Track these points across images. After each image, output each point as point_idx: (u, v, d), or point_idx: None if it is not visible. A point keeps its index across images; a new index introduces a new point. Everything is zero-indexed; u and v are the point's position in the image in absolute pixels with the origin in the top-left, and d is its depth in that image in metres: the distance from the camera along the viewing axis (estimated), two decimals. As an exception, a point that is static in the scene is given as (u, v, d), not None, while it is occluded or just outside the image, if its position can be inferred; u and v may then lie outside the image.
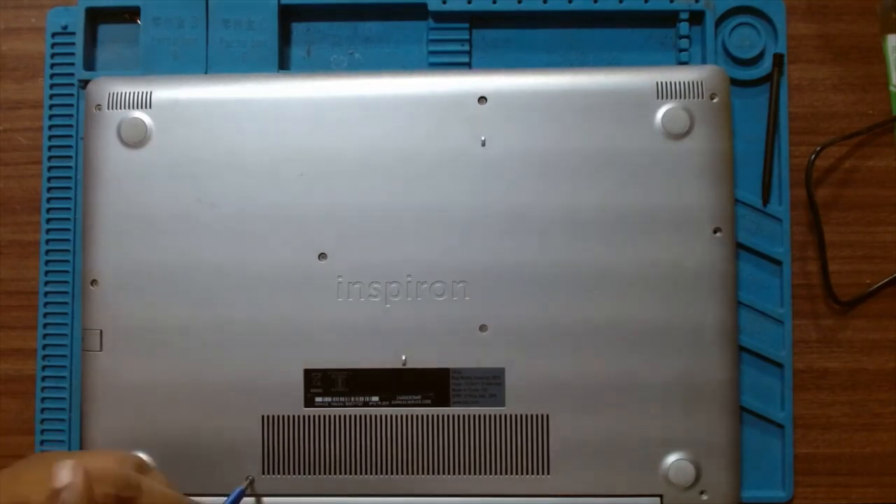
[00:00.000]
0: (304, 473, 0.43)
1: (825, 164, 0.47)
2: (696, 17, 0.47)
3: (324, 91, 0.45)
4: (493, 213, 0.43)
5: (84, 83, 0.48)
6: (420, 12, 0.48)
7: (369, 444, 0.43)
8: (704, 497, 0.43)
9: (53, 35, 0.49)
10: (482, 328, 0.43)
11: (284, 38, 0.49)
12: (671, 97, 0.44)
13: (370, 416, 0.43)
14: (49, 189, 0.48)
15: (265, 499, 0.44)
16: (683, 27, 0.47)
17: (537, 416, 0.43)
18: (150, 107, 0.45)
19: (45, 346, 0.48)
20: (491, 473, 0.43)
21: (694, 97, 0.44)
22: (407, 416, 0.43)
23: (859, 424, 0.47)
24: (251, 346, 0.44)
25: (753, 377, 0.46)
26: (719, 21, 0.47)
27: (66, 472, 0.35)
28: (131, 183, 0.44)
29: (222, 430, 0.43)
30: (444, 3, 0.47)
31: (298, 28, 0.49)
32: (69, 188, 0.48)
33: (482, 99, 0.44)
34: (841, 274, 0.47)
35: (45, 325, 0.48)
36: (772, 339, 0.46)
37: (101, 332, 0.44)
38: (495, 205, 0.43)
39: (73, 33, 0.48)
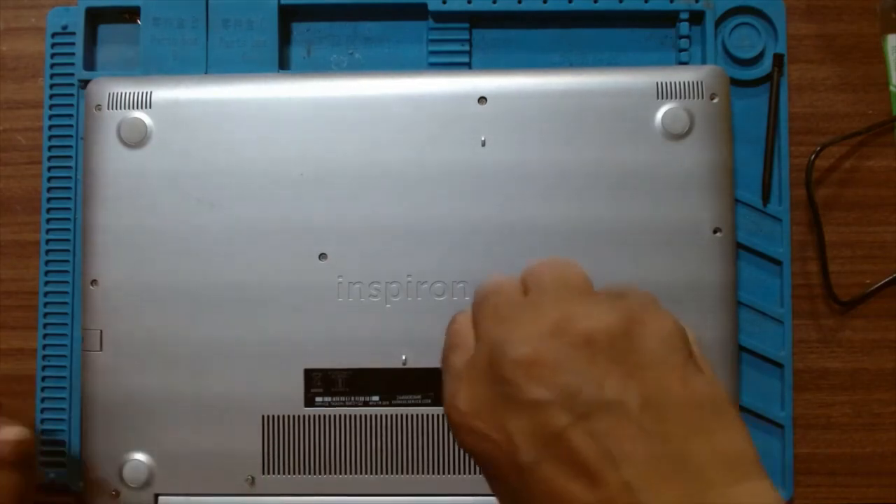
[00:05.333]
0: (304, 473, 0.43)
1: (825, 164, 0.47)
2: (696, 17, 0.47)
3: (324, 91, 0.45)
4: (492, 213, 0.43)
5: (84, 83, 0.48)
6: (420, 12, 0.48)
7: (369, 444, 0.43)
8: (704, 497, 0.43)
9: (53, 35, 0.49)
10: (482, 328, 0.43)
11: (284, 38, 0.49)
12: (671, 97, 0.44)
13: (370, 416, 0.43)
14: (49, 189, 0.48)
15: (265, 499, 0.44)
16: (683, 27, 0.47)
17: (537, 416, 0.43)
18: (150, 107, 0.45)
19: (45, 346, 0.47)
20: (491, 473, 0.43)
21: (694, 97, 0.44)
22: (407, 416, 0.43)
23: (859, 424, 0.47)
24: (252, 345, 0.44)
25: (753, 377, 0.46)
26: (719, 21, 0.47)
27: None
28: (131, 183, 0.44)
29: (223, 429, 0.43)
30: (444, 3, 0.47)
31: (298, 28, 0.49)
32: (69, 188, 0.48)
33: (482, 99, 0.44)
34: (841, 274, 0.47)
35: (45, 325, 0.48)
36: (772, 339, 0.46)
37: (101, 332, 0.44)
38: (495, 205, 0.43)
39: (73, 33, 0.48)
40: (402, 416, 0.43)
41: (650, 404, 0.21)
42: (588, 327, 0.23)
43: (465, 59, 0.48)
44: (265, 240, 0.44)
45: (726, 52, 0.47)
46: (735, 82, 0.47)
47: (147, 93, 0.45)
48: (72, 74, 0.48)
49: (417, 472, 0.43)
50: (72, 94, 0.48)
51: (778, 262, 0.46)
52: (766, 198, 0.47)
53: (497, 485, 0.24)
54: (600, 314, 0.23)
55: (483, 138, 0.44)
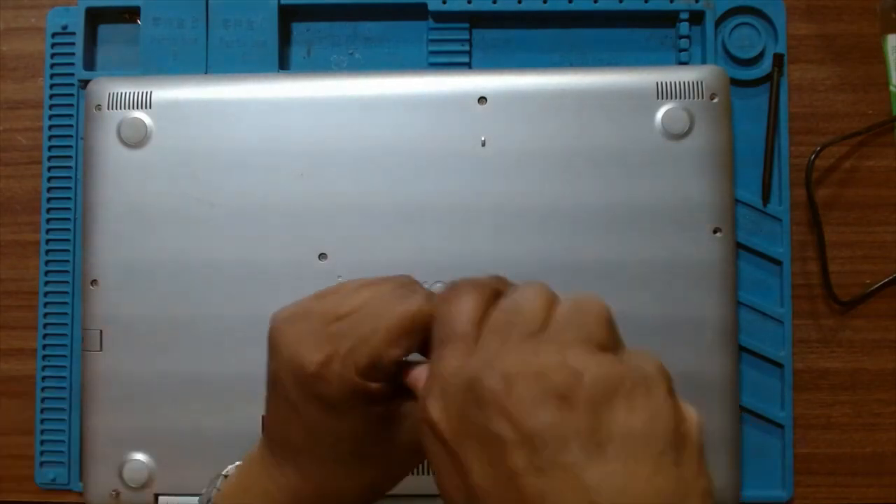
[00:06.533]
0: (304, 473, 0.43)
1: (825, 164, 0.47)
2: (696, 17, 0.47)
3: (324, 91, 0.45)
4: (492, 213, 0.43)
5: (84, 83, 0.48)
6: (420, 12, 0.48)
7: (369, 444, 0.43)
8: (704, 497, 0.43)
9: (53, 35, 0.49)
10: (482, 328, 0.43)
11: (284, 38, 0.49)
12: (671, 97, 0.44)
13: (370, 416, 0.43)
14: (49, 189, 0.48)
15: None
16: (683, 27, 0.47)
17: (537, 416, 0.43)
18: (150, 107, 0.45)
19: (45, 346, 0.48)
20: (491, 473, 0.43)
21: (694, 97, 0.44)
22: (407, 416, 0.43)
23: (859, 424, 0.47)
24: (252, 346, 0.43)
25: (753, 377, 0.46)
26: (719, 21, 0.47)
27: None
28: (131, 183, 0.44)
29: (223, 429, 0.43)
30: (444, 3, 0.47)
31: (298, 28, 0.49)
32: (69, 188, 0.48)
33: (482, 99, 0.44)
34: (841, 274, 0.47)
35: (45, 325, 0.48)
36: (772, 339, 0.46)
37: (101, 332, 0.44)
38: (495, 205, 0.43)
39: (73, 33, 0.48)
40: (402, 416, 0.43)
41: (609, 486, 0.20)
42: (572, 383, 0.22)
43: (465, 59, 0.48)
44: (265, 239, 0.44)
45: (726, 52, 0.47)
46: (735, 82, 0.47)
47: (147, 93, 0.45)
48: (72, 74, 0.48)
49: (417, 473, 0.43)
50: (72, 94, 0.48)
51: (778, 262, 0.46)
52: (766, 198, 0.47)
53: (447, 497, 0.24)
54: (593, 373, 0.22)
55: (483, 138, 0.44)
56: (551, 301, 0.26)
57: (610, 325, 0.25)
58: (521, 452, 0.21)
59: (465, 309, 0.26)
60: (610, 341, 0.25)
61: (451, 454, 0.23)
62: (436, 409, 0.24)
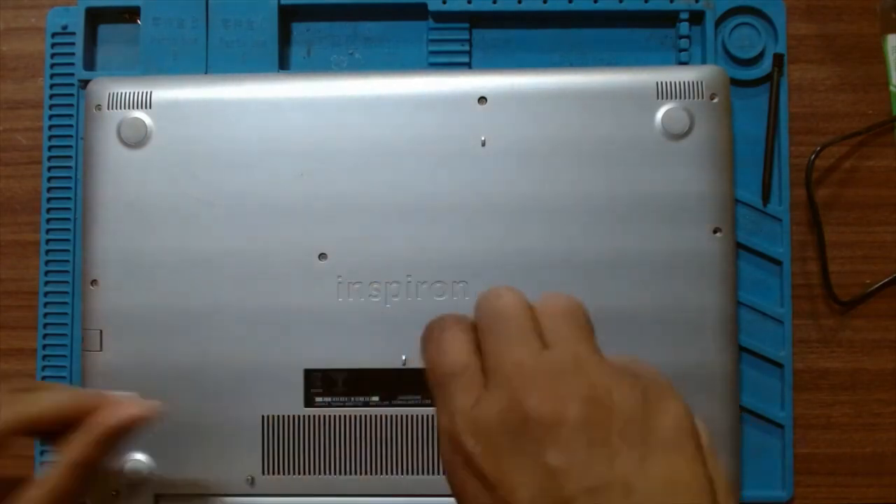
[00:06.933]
0: (304, 473, 0.43)
1: (825, 164, 0.47)
2: (696, 17, 0.47)
3: (324, 91, 0.45)
4: (493, 213, 0.43)
5: (84, 83, 0.48)
6: (420, 12, 0.48)
7: (369, 445, 0.43)
8: (704, 497, 0.43)
9: (53, 35, 0.49)
10: (482, 328, 0.43)
11: (284, 38, 0.49)
12: (671, 97, 0.44)
13: (370, 417, 0.43)
14: (49, 189, 0.48)
15: (265, 499, 0.44)
16: (683, 27, 0.47)
17: (537, 416, 0.43)
18: (150, 107, 0.45)
19: (45, 346, 0.48)
20: (491, 473, 0.43)
21: (694, 97, 0.44)
22: (407, 417, 0.43)
23: (859, 424, 0.47)
24: (251, 346, 0.44)
25: (753, 377, 0.46)
26: (719, 21, 0.47)
27: None
28: (131, 183, 0.44)
29: (222, 430, 0.43)
30: (444, 3, 0.47)
31: (298, 28, 0.49)
32: (69, 188, 0.48)
33: (482, 99, 0.44)
34: (841, 274, 0.47)
35: (45, 325, 0.48)
36: (772, 339, 0.46)
37: (101, 332, 0.44)
38: (495, 205, 0.43)
39: (73, 33, 0.48)
40: (401, 416, 0.43)
41: (660, 489, 0.21)
42: (610, 404, 0.23)
43: (465, 59, 0.48)
44: (265, 240, 0.44)
45: (726, 52, 0.47)
46: (735, 82, 0.47)
47: (147, 93, 0.45)
48: (72, 74, 0.48)
49: (417, 473, 0.43)
50: (72, 94, 0.48)
51: (778, 262, 0.46)
52: (766, 198, 0.47)
53: None
54: (622, 391, 0.23)
55: (483, 138, 0.44)
56: (519, 297, 0.26)
57: (584, 308, 0.27)
58: (573, 477, 0.21)
59: (451, 344, 0.26)
60: (590, 323, 0.26)
61: (494, 491, 0.23)
62: (472, 443, 0.24)
